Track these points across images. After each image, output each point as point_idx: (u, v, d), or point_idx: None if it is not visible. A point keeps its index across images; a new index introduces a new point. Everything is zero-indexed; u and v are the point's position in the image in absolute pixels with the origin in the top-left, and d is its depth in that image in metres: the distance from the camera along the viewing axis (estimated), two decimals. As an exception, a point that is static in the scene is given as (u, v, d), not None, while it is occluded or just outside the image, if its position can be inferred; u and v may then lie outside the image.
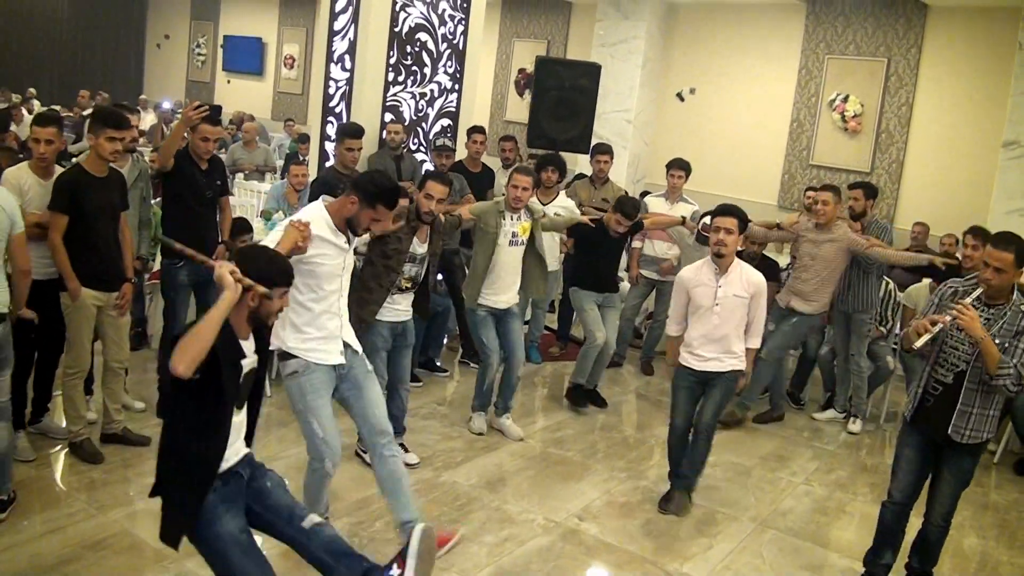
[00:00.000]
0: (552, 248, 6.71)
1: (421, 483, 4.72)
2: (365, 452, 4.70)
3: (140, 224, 5.21)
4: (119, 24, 17.40)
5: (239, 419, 2.90)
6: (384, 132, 7.59)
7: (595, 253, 6.07)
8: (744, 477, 5.38)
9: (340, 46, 7.60)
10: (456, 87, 8.28)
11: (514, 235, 5.39)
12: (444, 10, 7.95)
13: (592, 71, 7.23)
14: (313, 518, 2.96)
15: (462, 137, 7.98)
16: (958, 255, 7.11)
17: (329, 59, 7.64)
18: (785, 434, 6.22)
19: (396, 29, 7.55)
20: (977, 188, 8.70)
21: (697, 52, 10.93)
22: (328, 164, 7.07)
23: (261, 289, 2.79)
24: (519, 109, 12.79)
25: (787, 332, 6.16)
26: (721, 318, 4.62)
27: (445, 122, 8.21)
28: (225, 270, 2.72)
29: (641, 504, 4.80)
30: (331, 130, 7.73)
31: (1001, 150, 8.12)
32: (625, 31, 10.76)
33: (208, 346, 2.58)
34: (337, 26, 7.58)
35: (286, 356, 3.70)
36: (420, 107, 8.00)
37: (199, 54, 16.82)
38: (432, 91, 8.07)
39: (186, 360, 2.53)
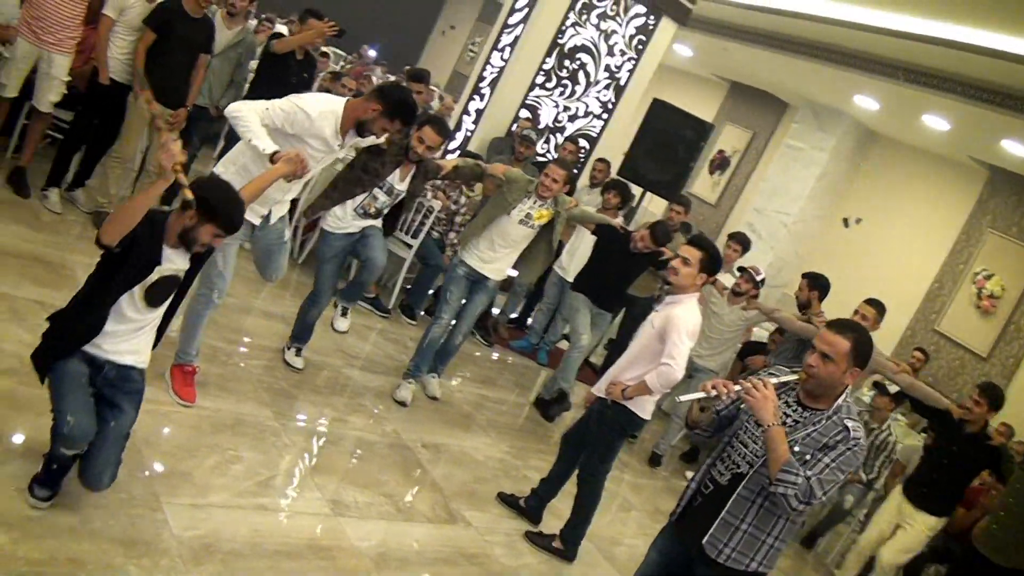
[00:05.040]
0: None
1: (319, 365, 5.27)
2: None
3: (231, 83, 6.18)
4: (417, 3, 19.42)
5: (143, 318, 3.08)
6: (515, 123, 8.27)
7: (608, 263, 6.05)
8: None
9: (506, 39, 8.39)
10: (605, 117, 8.82)
11: (527, 216, 5.38)
12: (616, 43, 8.53)
13: (701, 128, 7.50)
14: (102, 478, 3.05)
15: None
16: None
17: (494, 47, 8.45)
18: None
19: (560, 40, 8.22)
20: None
21: (876, 185, 10.75)
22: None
23: (188, 195, 2.87)
24: (705, 186, 13.04)
25: None
26: (636, 343, 4.36)
27: (581, 143, 8.74)
28: (167, 157, 2.82)
29: (478, 463, 5.06)
30: (472, 106, 8.53)
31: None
32: (814, 139, 10.78)
33: (132, 223, 2.76)
34: (511, 20, 8.37)
35: None
36: (560, 118, 8.60)
37: (471, 50, 18.40)
38: (578, 109, 8.65)
39: (110, 232, 2.77)
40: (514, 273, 6.35)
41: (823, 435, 2.85)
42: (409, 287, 7.00)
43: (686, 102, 9.20)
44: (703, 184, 13.02)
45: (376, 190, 4.89)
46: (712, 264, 4.25)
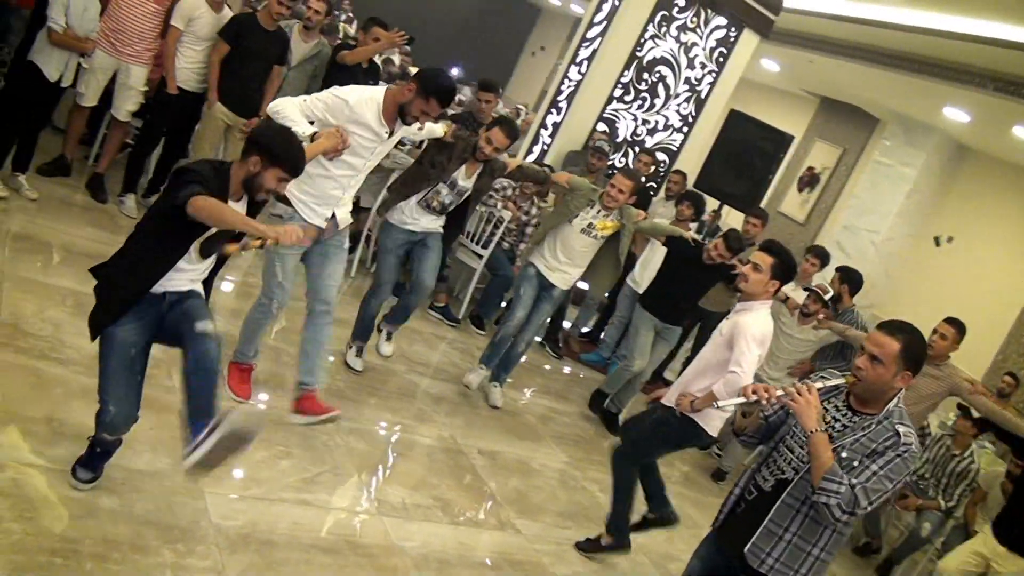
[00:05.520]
0: None
1: (380, 370, 5.30)
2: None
3: (306, 94, 6.30)
4: (508, 25, 19.57)
5: (200, 266, 3.10)
6: (591, 138, 8.20)
7: (680, 276, 5.88)
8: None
9: (584, 53, 8.34)
10: (685, 130, 8.67)
11: (590, 226, 5.37)
12: (697, 56, 8.39)
13: (779, 139, 7.28)
14: (207, 325, 3.00)
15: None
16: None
17: (572, 61, 8.41)
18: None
19: (639, 53, 8.14)
20: None
21: (968, 202, 10.27)
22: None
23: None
24: (793, 205, 12.70)
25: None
26: (705, 352, 4.25)
27: (660, 156, 8.62)
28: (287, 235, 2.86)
29: (535, 471, 4.99)
30: (549, 120, 8.50)
31: None
32: (903, 155, 10.39)
33: (219, 225, 2.83)
34: (589, 34, 8.32)
35: (280, 198, 3.93)
36: (639, 132, 8.49)
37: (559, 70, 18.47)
38: (657, 122, 8.53)
39: (200, 215, 2.77)
40: (585, 285, 6.26)
41: (872, 440, 2.69)
42: (479, 297, 7.01)
43: (775, 118, 9.00)
44: (792, 202, 12.68)
45: (440, 185, 4.89)
46: (784, 270, 4.10)
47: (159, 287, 3.00)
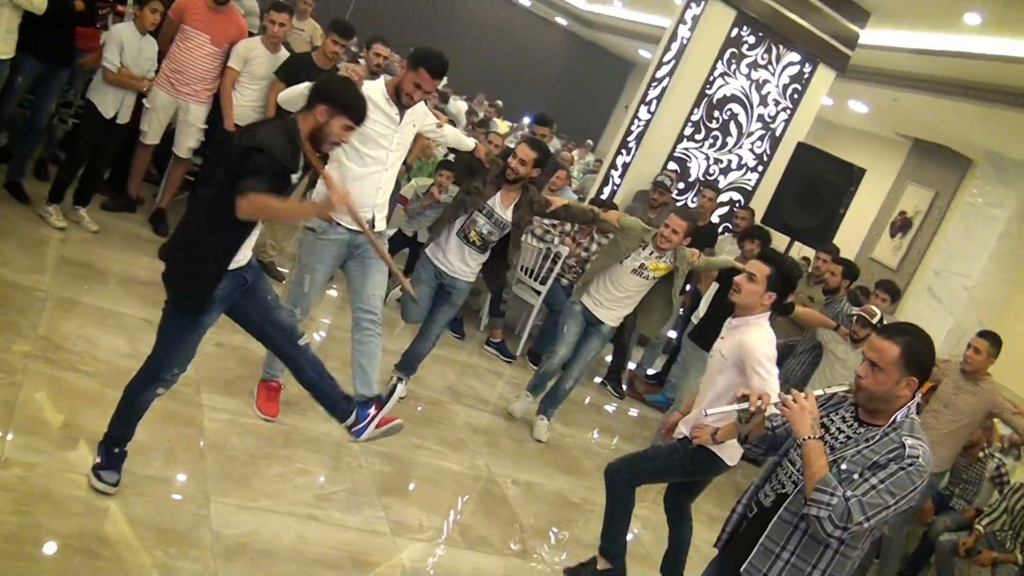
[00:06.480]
0: None
1: (423, 399, 5.27)
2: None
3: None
4: (601, 80, 19.80)
5: (260, 224, 3.21)
6: (660, 174, 8.07)
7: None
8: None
9: (653, 92, 8.30)
10: (760, 169, 8.47)
11: (642, 267, 5.23)
12: (769, 93, 8.25)
13: (848, 172, 6.98)
14: (303, 339, 3.38)
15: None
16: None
17: (641, 100, 8.38)
18: None
19: (708, 92, 8.04)
20: None
21: (1068, 244, 9.62)
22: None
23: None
24: (886, 251, 12.21)
25: None
26: (708, 373, 3.96)
27: (735, 196, 8.44)
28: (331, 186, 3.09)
29: (572, 505, 4.83)
30: (619, 160, 8.45)
31: None
32: (995, 195, 9.84)
33: (271, 219, 3.20)
34: (659, 74, 8.29)
35: None
36: (712, 171, 8.34)
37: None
38: (730, 161, 8.37)
39: (246, 212, 2.87)
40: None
41: (875, 452, 2.50)
42: (536, 334, 6.94)
43: (867, 161, 8.58)
44: (884, 248, 12.18)
45: (476, 213, 4.83)
46: (782, 281, 3.74)
47: (238, 263, 3.12)
